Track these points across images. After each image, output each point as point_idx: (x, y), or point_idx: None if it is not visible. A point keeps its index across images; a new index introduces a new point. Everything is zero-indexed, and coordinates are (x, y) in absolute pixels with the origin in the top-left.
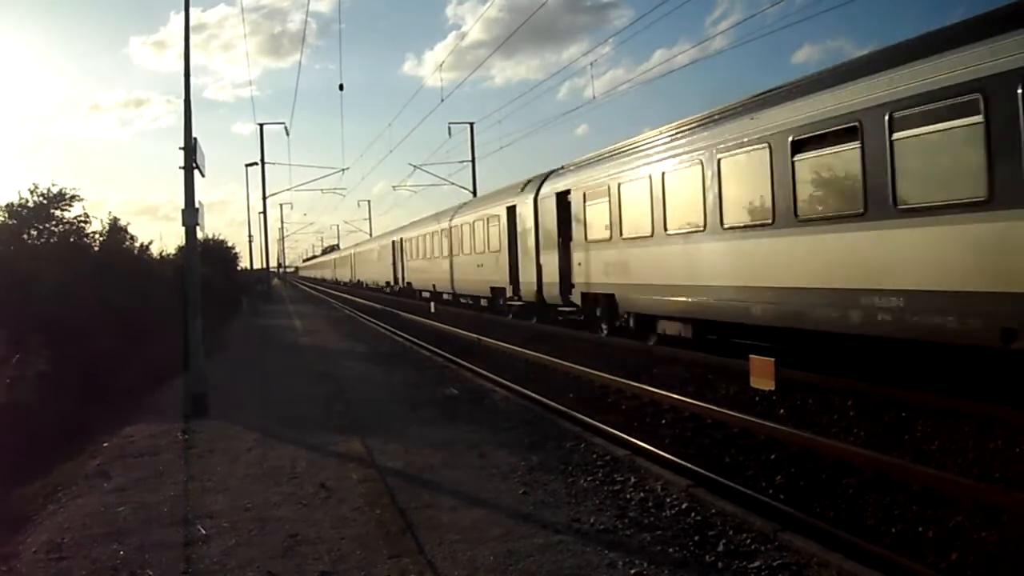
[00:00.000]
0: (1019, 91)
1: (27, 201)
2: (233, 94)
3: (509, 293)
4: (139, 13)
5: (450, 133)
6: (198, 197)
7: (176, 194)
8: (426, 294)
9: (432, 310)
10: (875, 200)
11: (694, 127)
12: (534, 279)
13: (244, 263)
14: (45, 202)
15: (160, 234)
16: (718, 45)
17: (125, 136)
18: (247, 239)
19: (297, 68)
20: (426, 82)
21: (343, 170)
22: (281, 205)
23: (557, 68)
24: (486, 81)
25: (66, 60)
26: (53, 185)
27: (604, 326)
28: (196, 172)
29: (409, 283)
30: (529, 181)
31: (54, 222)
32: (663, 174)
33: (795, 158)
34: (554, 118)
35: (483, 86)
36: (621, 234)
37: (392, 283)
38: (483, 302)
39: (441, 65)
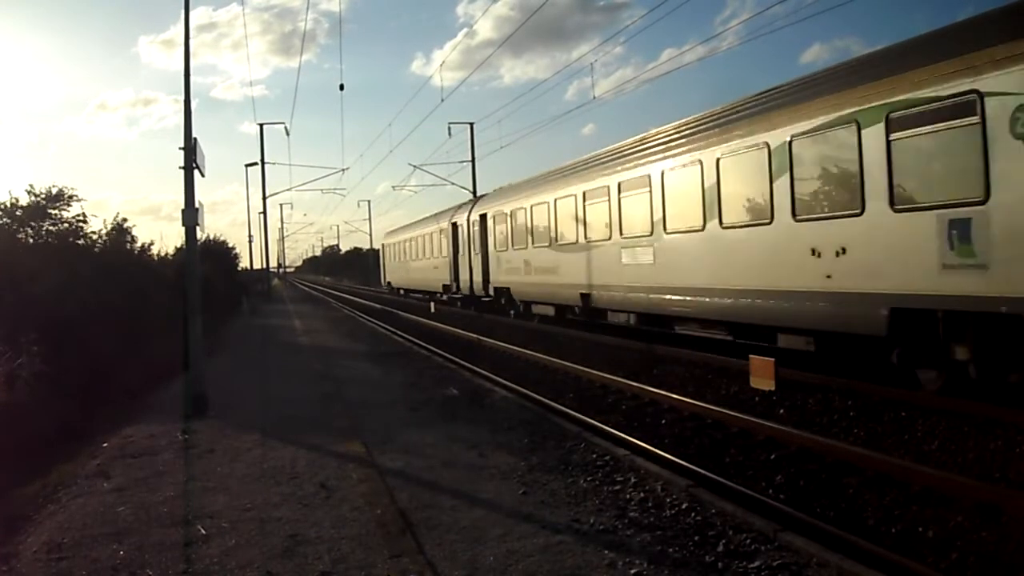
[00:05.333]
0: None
1: (18, 201)
2: (241, 93)
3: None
4: (148, 12)
5: (450, 133)
6: (199, 197)
7: (179, 194)
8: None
9: (432, 310)
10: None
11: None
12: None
13: (244, 263)
14: (43, 202)
15: (161, 234)
16: (726, 44)
17: (131, 136)
18: (247, 239)
19: (308, 67)
20: (433, 81)
21: (343, 170)
22: (281, 205)
23: (564, 70)
24: (495, 80)
25: (74, 59)
26: (53, 186)
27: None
28: (196, 172)
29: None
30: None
31: (51, 221)
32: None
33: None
34: (554, 118)
35: (491, 85)
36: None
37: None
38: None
39: (442, 64)
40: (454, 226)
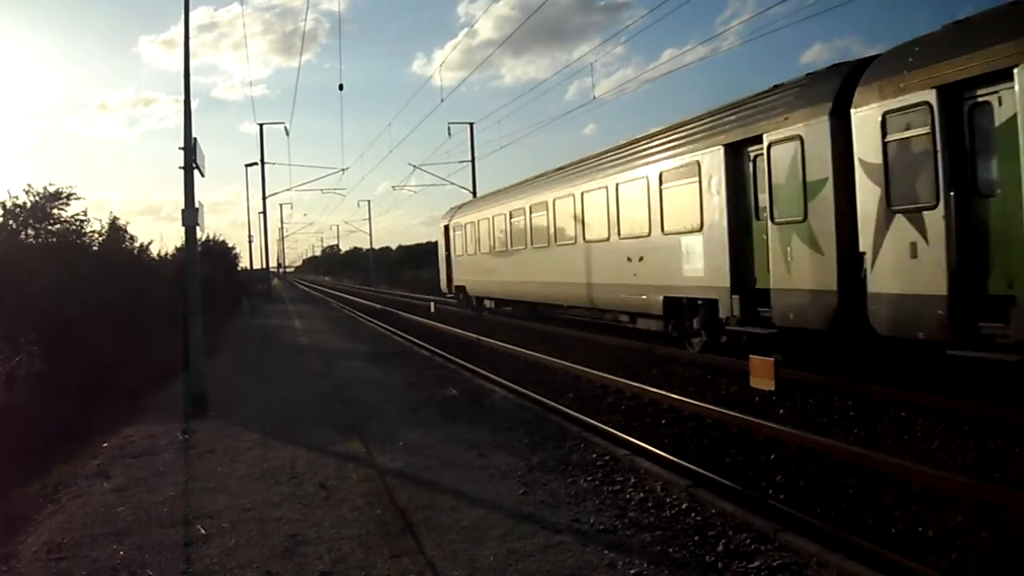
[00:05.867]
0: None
1: (23, 201)
2: (242, 93)
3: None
4: (149, 11)
5: (450, 133)
6: (200, 197)
7: (179, 194)
8: None
9: (432, 310)
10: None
11: None
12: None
13: (244, 263)
14: (42, 201)
15: (161, 234)
16: (727, 44)
17: (132, 136)
18: (247, 239)
19: (309, 67)
20: (433, 81)
21: (343, 170)
22: (281, 205)
23: (565, 69)
24: (495, 80)
25: (74, 59)
26: (50, 184)
27: None
28: (196, 172)
29: None
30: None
31: (51, 221)
32: None
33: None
34: (554, 118)
35: (492, 85)
36: None
37: None
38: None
39: (442, 64)
40: (735, 153)
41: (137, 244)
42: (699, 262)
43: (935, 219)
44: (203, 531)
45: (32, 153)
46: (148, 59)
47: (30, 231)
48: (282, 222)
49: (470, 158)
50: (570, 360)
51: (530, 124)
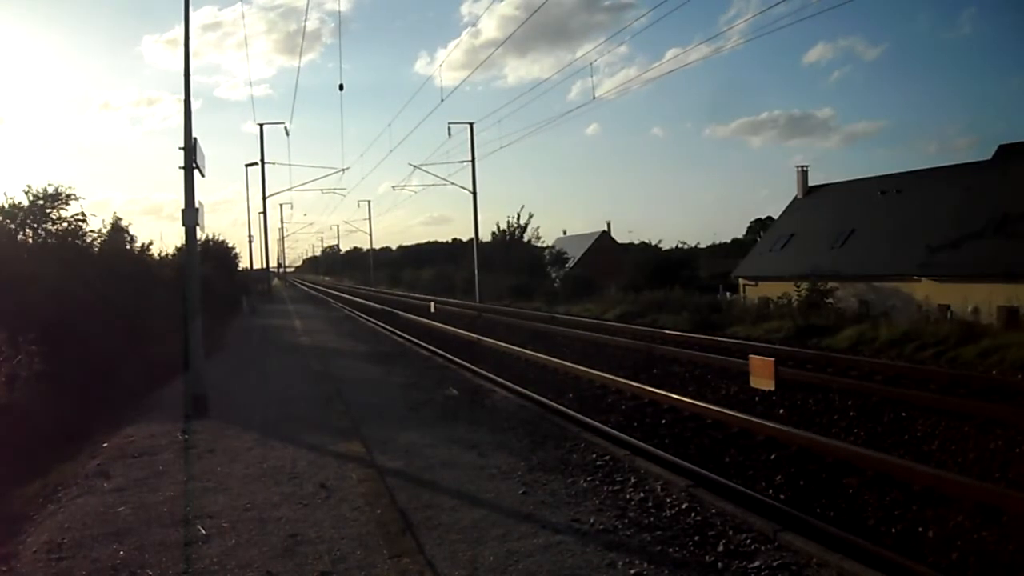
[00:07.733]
0: None
1: (20, 203)
2: (245, 93)
3: None
4: (152, 11)
5: (450, 133)
6: (201, 197)
7: (181, 193)
8: None
9: (432, 310)
10: None
11: None
12: None
13: (244, 263)
14: (41, 202)
15: (161, 234)
16: (731, 44)
17: (135, 135)
18: (247, 239)
19: (313, 67)
20: (436, 81)
21: (343, 170)
22: (281, 205)
23: (566, 68)
24: (498, 80)
25: (77, 59)
26: (49, 185)
27: None
28: (196, 172)
29: None
30: None
31: (50, 222)
32: None
33: None
34: (552, 119)
35: (495, 85)
36: None
37: None
38: None
39: (442, 64)
40: None
41: (138, 245)
42: None
43: None
44: (203, 531)
45: (34, 153)
46: (151, 58)
47: (28, 231)
48: (282, 222)
49: (470, 158)
50: (570, 360)
51: (531, 124)
